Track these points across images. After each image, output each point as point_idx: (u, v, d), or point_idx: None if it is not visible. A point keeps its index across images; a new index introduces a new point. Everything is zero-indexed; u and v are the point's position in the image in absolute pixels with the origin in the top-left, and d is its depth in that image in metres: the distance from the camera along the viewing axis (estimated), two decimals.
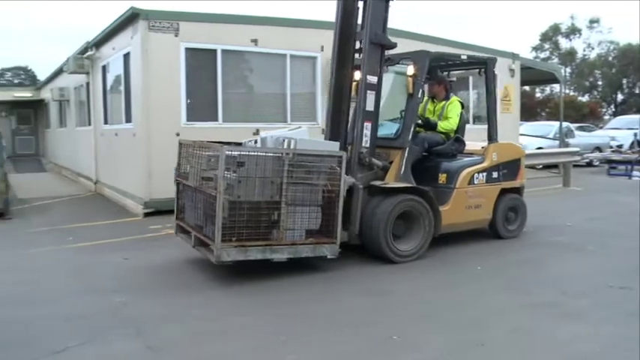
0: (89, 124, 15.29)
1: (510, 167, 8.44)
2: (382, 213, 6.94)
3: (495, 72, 8.57)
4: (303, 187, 6.35)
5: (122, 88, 12.27)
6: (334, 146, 7.00)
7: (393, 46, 7.44)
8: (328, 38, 7.61)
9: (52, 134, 23.87)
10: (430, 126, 8.04)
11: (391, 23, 7.46)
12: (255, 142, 7.10)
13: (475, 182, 8.01)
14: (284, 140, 6.64)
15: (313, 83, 12.40)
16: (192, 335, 4.79)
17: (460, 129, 8.18)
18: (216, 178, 5.91)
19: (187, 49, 10.81)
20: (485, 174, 8.13)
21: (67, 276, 6.70)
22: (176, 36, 10.58)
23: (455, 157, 8.12)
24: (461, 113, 8.20)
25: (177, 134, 9.82)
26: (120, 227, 9.80)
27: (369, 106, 7.25)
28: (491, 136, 8.44)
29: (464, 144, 8.19)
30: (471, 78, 15.39)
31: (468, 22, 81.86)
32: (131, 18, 10.82)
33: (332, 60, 7.48)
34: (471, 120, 15.39)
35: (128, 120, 11.66)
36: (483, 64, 8.43)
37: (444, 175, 7.92)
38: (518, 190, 8.63)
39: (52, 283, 6.42)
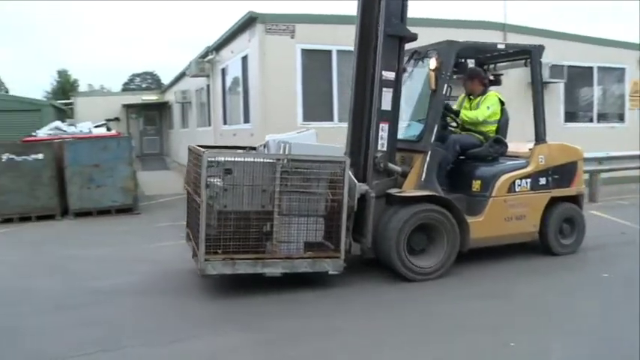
0: (209, 125, 15.96)
1: (563, 172, 7.35)
2: (395, 225, 6.21)
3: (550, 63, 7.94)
4: (300, 196, 5.79)
5: (240, 89, 12.71)
6: (337, 151, 6.44)
7: (414, 37, 6.56)
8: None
9: (175, 134, 25.16)
10: (452, 115, 7.37)
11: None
12: (264, 146, 6.70)
13: (517, 190, 7.03)
14: (281, 145, 6.27)
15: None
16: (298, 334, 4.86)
17: (501, 128, 7.29)
18: (199, 185, 5.65)
19: (303, 51, 11.03)
20: (529, 180, 7.11)
21: (184, 271, 6.90)
22: (292, 38, 10.82)
23: (496, 160, 7.19)
24: (502, 110, 7.30)
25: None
26: None
27: (386, 105, 6.45)
28: (538, 136, 7.28)
29: (505, 145, 7.24)
30: (595, 72, 14.54)
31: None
32: (249, 22, 11.19)
33: (353, 56, 6.78)
34: (595, 118, 14.60)
35: (246, 120, 12.05)
36: (527, 54, 7.35)
37: (478, 181, 6.98)
38: (574, 199, 7.51)
39: (174, 275, 6.78)
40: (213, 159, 5.62)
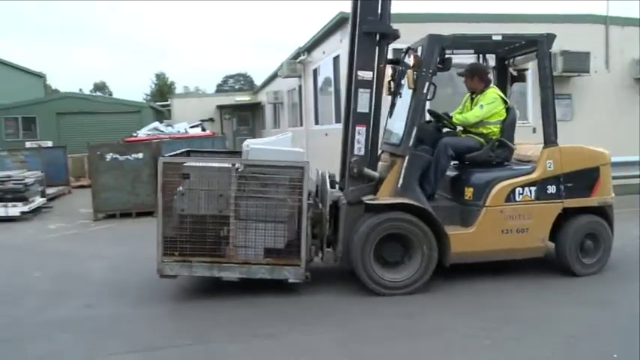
0: (300, 125, 16.13)
1: (580, 179, 6.31)
2: (360, 234, 5.83)
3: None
4: (258, 201, 5.70)
5: (332, 89, 12.75)
6: (300, 155, 6.18)
7: (395, 35, 6.15)
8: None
9: (267, 135, 25.63)
10: (444, 119, 6.71)
11: None
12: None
13: (517, 199, 6.18)
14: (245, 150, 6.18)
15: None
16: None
17: (505, 129, 6.48)
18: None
19: (394, 50, 10.88)
20: (534, 188, 6.21)
21: None
22: None
23: (499, 165, 6.43)
24: (507, 108, 6.52)
25: None
26: None
27: (362, 107, 6.08)
28: (547, 138, 6.34)
29: (509, 149, 6.48)
30: None
31: None
32: (340, 22, 11.23)
33: (348, 56, 6.45)
34: None
35: (338, 120, 12.07)
36: (533, 44, 6.43)
37: (470, 189, 6.25)
38: (599, 211, 6.46)
39: None
40: (167, 162, 5.87)
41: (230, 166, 5.75)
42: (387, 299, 5.73)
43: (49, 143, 19.58)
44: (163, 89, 55.13)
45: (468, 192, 6.24)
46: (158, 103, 33.19)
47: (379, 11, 6.08)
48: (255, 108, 29.47)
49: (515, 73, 7.01)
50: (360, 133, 6.07)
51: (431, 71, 6.09)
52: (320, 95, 14.38)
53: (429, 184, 6.27)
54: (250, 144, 6.39)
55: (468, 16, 11.17)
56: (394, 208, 5.90)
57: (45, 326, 5.32)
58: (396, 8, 6.21)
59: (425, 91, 6.09)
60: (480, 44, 6.74)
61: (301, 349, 4.62)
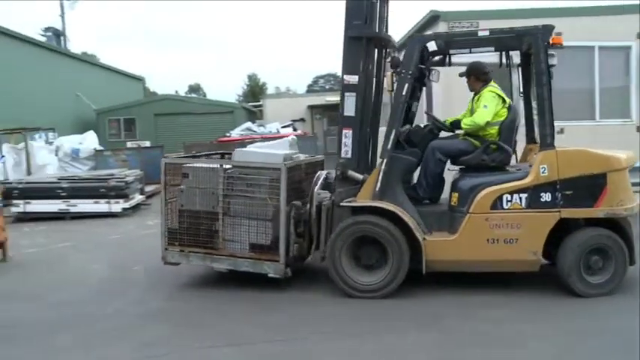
0: None
1: (581, 187, 5.69)
2: (332, 236, 6.02)
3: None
4: (244, 200, 6.25)
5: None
6: (278, 158, 6.42)
7: (383, 38, 6.34)
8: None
9: None
10: (440, 123, 6.57)
11: None
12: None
13: (505, 206, 5.77)
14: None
15: (626, 76, 11.24)
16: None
17: (503, 131, 6.15)
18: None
19: None
20: (525, 195, 5.74)
21: None
22: None
23: (496, 170, 6.05)
24: (509, 107, 6.21)
25: None
26: None
27: (348, 110, 6.24)
28: (543, 140, 5.87)
29: (506, 152, 6.09)
30: None
31: None
32: (431, 20, 11.12)
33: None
34: None
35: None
36: (527, 37, 5.92)
37: (456, 194, 6.04)
38: (609, 223, 5.77)
39: None
40: (169, 162, 6.83)
41: (218, 167, 6.44)
42: (476, 303, 5.68)
43: (148, 143, 20.54)
44: (255, 90, 56.40)
45: (454, 197, 6.06)
46: (250, 104, 34.03)
47: (365, 16, 6.17)
48: None
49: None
50: (347, 136, 6.24)
51: (410, 72, 6.00)
52: None
53: (422, 187, 6.31)
54: (246, 148, 7.12)
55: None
56: (366, 211, 5.98)
57: (143, 317, 5.74)
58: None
59: (404, 92, 6.03)
60: (498, 40, 6.15)
61: (388, 350, 4.67)
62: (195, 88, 66.77)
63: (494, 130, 6.17)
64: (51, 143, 16.96)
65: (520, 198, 5.75)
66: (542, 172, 5.71)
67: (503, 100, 6.21)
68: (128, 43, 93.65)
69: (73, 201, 12.05)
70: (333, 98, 31.43)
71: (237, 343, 4.96)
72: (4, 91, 19.67)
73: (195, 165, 6.64)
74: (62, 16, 33.43)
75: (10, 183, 12.97)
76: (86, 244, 8.76)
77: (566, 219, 5.73)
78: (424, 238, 5.87)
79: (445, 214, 6.11)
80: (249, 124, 20.00)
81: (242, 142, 12.53)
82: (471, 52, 6.29)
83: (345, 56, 6.24)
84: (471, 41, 6.24)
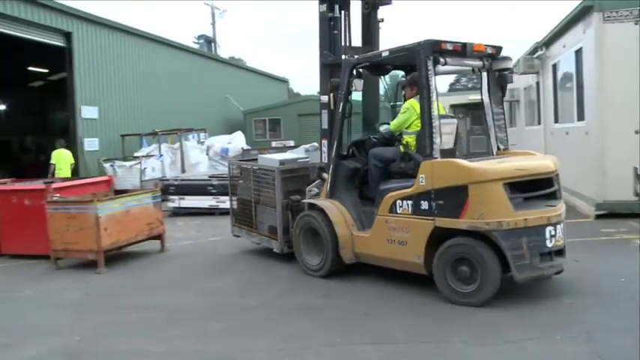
0: (538, 124, 15.39)
1: (449, 197, 5.67)
2: (294, 225, 7.49)
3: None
4: (264, 193, 8.06)
5: (573, 85, 11.96)
6: (274, 162, 7.93)
7: (335, 64, 7.27)
8: None
9: None
10: (379, 133, 7.25)
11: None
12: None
13: (398, 211, 6.14)
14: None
15: None
16: None
17: (420, 141, 6.23)
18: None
19: None
20: (410, 202, 6.00)
21: None
22: (636, 24, 9.73)
23: (407, 177, 6.21)
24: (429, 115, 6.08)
25: (637, 132, 9.09)
26: (568, 227, 9.64)
27: (324, 124, 7.50)
28: (422, 151, 6.03)
29: (416, 162, 6.09)
30: None
31: None
32: (583, 12, 10.48)
33: None
34: None
35: (580, 118, 11.32)
36: (412, 53, 6.06)
37: (371, 195, 6.69)
38: (481, 235, 5.57)
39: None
40: (231, 164, 9.35)
41: (249, 167, 8.58)
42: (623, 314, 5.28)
43: (292, 143, 21.13)
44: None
45: (376, 200, 6.51)
46: (390, 103, 33.91)
47: (330, 46, 7.55)
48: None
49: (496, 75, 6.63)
50: (324, 145, 7.41)
51: (343, 92, 6.91)
52: (560, 92, 13.56)
53: (369, 189, 6.84)
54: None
55: None
56: (310, 207, 7.28)
57: (288, 310, 5.96)
58: None
59: (340, 110, 6.98)
60: (395, 58, 6.54)
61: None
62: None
63: (411, 139, 6.44)
64: (202, 143, 18.00)
65: (408, 204, 6.07)
66: (421, 182, 5.92)
67: (418, 109, 6.25)
68: (273, 46, 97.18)
69: (222, 197, 12.67)
70: (477, 97, 30.66)
71: (380, 341, 4.97)
72: (163, 95, 21.22)
73: (242, 165, 8.91)
74: (213, 24, 35.40)
75: (168, 180, 13.97)
76: (234, 239, 9.23)
77: (440, 227, 5.79)
78: (352, 233, 6.73)
79: (373, 215, 6.55)
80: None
81: None
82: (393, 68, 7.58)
83: (319, 80, 7.60)
84: (380, 60, 6.78)
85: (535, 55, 14.88)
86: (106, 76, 18.05)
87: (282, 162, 7.92)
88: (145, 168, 15.43)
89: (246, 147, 18.51)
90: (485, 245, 5.59)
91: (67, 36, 16.38)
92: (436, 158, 5.88)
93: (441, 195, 5.76)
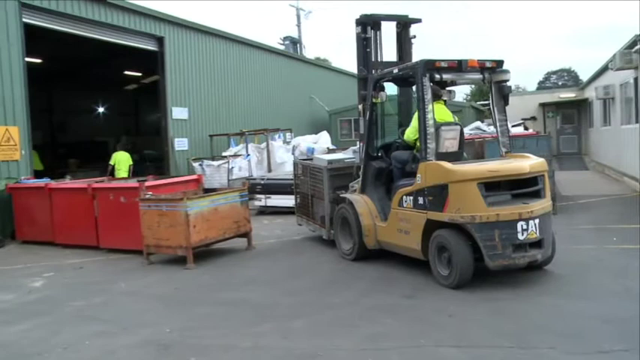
0: (636, 122, 14.63)
1: (436, 194, 6.59)
2: (334, 215, 8.66)
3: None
4: (318, 188, 9.18)
5: None
6: (323, 162, 9.14)
7: (372, 77, 8.03)
8: None
9: (595, 133, 23.80)
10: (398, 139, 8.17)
11: None
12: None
13: (404, 205, 7.19)
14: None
15: None
16: None
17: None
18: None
19: None
20: (411, 198, 7.03)
21: (609, 276, 6.74)
22: None
23: (414, 176, 7.10)
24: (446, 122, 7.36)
25: None
26: None
27: (361, 129, 8.40)
28: (422, 155, 6.84)
29: (419, 162, 6.98)
30: None
31: None
32: None
33: None
34: None
35: None
36: (412, 70, 7.14)
37: (392, 192, 7.58)
38: (458, 227, 6.43)
39: (599, 279, 6.64)
40: (296, 162, 10.44)
41: (306, 165, 9.70)
42: None
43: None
44: (483, 89, 55.05)
45: (393, 195, 7.46)
46: (479, 103, 33.20)
47: (365, 62, 8.65)
48: (581, 105, 27.58)
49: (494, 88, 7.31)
50: (361, 147, 8.39)
51: (369, 103, 7.94)
52: None
53: (394, 188, 7.57)
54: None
55: None
56: (345, 200, 8.37)
57: (372, 310, 5.97)
58: None
59: (367, 117, 8.04)
60: (403, 74, 7.56)
61: None
62: None
63: (419, 144, 7.08)
64: (288, 143, 18.20)
65: (410, 199, 7.05)
66: (418, 180, 6.86)
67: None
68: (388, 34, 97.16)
69: None
70: (568, 95, 29.54)
71: (463, 344, 4.88)
72: (250, 96, 21.69)
73: (303, 163, 9.95)
74: (298, 25, 35.80)
75: (254, 179, 14.26)
76: (318, 238, 9.34)
77: (431, 220, 6.69)
78: (375, 224, 7.79)
79: (385, 208, 7.74)
80: (478, 123, 19.49)
81: (472, 141, 12.26)
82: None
83: (357, 91, 8.67)
84: (393, 75, 7.70)
85: (634, 50, 14.15)
86: (196, 78, 18.63)
87: (330, 162, 9.12)
88: (232, 167, 15.79)
89: (331, 147, 18.59)
90: (459, 235, 6.43)
91: (160, 40, 17.02)
92: (430, 160, 6.70)
93: (431, 192, 6.68)
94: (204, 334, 5.51)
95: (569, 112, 28.88)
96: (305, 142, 18.23)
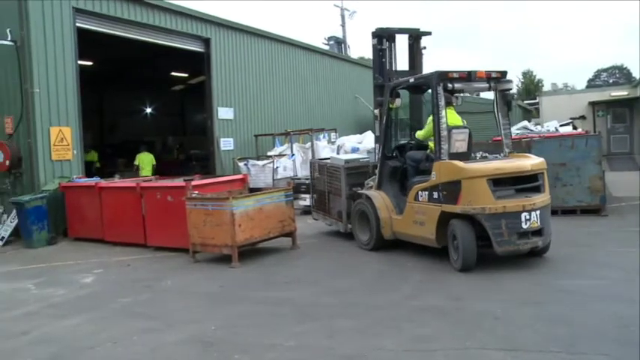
0: None
1: (450, 189, 7.44)
2: (352, 209, 9.43)
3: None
4: (335, 185, 9.93)
5: None
6: (341, 161, 10.00)
7: (385, 85, 9.04)
8: None
9: None
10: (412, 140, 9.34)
11: None
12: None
13: (419, 199, 7.99)
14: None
15: None
16: None
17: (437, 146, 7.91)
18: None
19: None
20: (426, 193, 7.85)
21: None
22: None
23: (427, 173, 7.99)
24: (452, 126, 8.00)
25: None
26: None
27: (377, 132, 9.39)
28: (437, 155, 7.72)
29: (433, 162, 7.85)
30: None
31: None
32: None
33: None
34: None
35: None
36: (428, 80, 8.06)
37: (407, 188, 8.40)
38: (469, 217, 7.28)
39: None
40: (313, 162, 11.45)
41: (323, 164, 10.49)
42: None
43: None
44: (530, 87, 54.07)
45: (408, 191, 8.29)
46: (525, 102, 32.69)
47: (380, 70, 9.63)
48: (634, 103, 26.79)
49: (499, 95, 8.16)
50: (377, 149, 9.33)
51: (386, 109, 8.87)
52: None
53: (408, 184, 8.43)
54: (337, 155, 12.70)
55: None
56: (362, 196, 9.18)
57: (417, 311, 5.94)
58: None
59: (384, 122, 8.96)
60: (419, 83, 8.67)
61: None
62: None
63: (433, 145, 8.02)
64: (333, 142, 18.20)
65: (425, 194, 7.87)
66: (433, 177, 7.68)
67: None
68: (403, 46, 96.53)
69: None
70: (620, 93, 28.74)
71: (510, 348, 4.77)
72: (295, 96, 21.79)
73: (320, 164, 10.79)
74: (343, 25, 35.80)
75: (299, 179, 14.32)
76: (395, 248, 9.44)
77: (445, 212, 7.48)
78: (391, 217, 8.60)
79: (400, 202, 8.56)
80: (525, 123, 19.19)
81: (519, 141, 12.06)
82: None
83: (373, 97, 9.69)
84: (409, 84, 8.63)
85: None
86: (242, 78, 18.81)
87: (347, 161, 10.02)
88: (277, 167, 15.88)
89: None
90: (467, 225, 7.28)
91: (206, 42, 17.23)
92: (444, 160, 7.51)
93: (445, 187, 7.48)
94: (248, 332, 5.55)
95: (620, 111, 28.06)
96: (349, 142, 18.20)
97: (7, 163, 11.85)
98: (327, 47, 30.72)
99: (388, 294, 6.59)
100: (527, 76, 57.54)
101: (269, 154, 17.47)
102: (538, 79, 57.32)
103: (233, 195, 8.75)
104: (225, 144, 17.92)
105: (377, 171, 9.06)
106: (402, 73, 9.60)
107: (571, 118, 21.29)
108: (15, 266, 9.43)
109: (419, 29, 9.90)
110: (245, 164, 16.57)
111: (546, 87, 51.83)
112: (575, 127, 17.85)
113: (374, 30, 9.48)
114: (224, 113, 17.93)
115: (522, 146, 11.70)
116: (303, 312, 6.07)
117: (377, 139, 9.37)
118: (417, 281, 7.11)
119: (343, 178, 9.65)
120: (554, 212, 11.01)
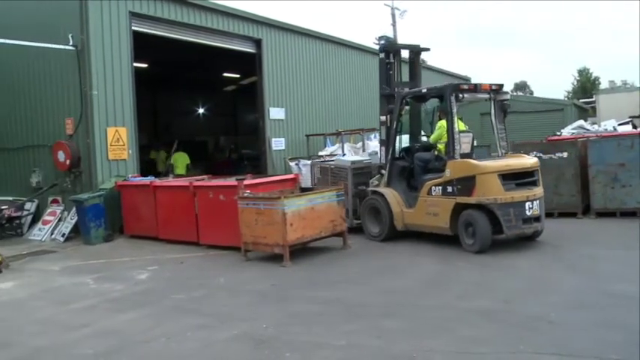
0: None
1: (464, 183, 8.63)
2: (362, 205, 10.44)
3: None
4: (340, 184, 10.00)
5: None
6: (347, 162, 11.22)
7: (393, 95, 10.39)
8: None
9: None
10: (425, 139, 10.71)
11: None
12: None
13: (433, 193, 9.12)
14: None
15: None
16: None
17: (449, 147, 9.00)
18: None
19: None
20: (440, 187, 8.98)
21: None
22: None
23: (438, 171, 9.19)
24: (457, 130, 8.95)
25: None
26: None
27: (382, 135, 10.61)
28: (449, 155, 8.93)
29: (443, 161, 9.18)
30: None
31: None
32: None
33: None
34: None
35: None
36: (442, 91, 9.27)
37: (416, 185, 9.61)
38: (482, 207, 8.46)
39: None
40: (314, 164, 12.32)
41: (328, 166, 11.46)
42: None
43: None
44: (586, 85, 52.54)
45: (420, 187, 9.42)
46: (581, 100, 31.84)
47: (387, 80, 10.74)
48: None
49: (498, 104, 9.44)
50: (382, 151, 10.55)
51: (396, 115, 10.07)
52: None
53: (415, 181, 9.74)
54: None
55: None
56: (373, 193, 10.23)
57: (470, 313, 5.88)
58: None
59: (394, 127, 10.12)
60: (431, 94, 9.85)
61: None
62: (521, 86, 65.12)
63: (442, 147, 9.57)
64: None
65: (439, 188, 9.04)
66: (447, 174, 8.87)
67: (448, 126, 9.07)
68: (454, 44, 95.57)
69: None
70: None
71: (564, 352, 4.68)
72: (346, 96, 21.80)
73: (321, 165, 11.81)
74: (393, 24, 35.58)
75: None
76: (414, 238, 9.44)
77: (459, 203, 8.69)
78: (402, 210, 9.65)
79: (416, 197, 9.46)
80: (581, 122, 18.69)
81: (574, 142, 11.77)
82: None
83: (380, 105, 10.76)
84: (421, 95, 9.98)
85: None
86: (292, 78, 18.93)
87: (352, 162, 11.26)
88: None
89: None
90: (482, 213, 8.43)
91: (258, 43, 17.41)
92: (456, 159, 8.76)
93: (459, 182, 8.70)
94: (298, 330, 5.61)
95: None
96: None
97: (68, 162, 12.29)
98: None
99: (438, 295, 6.57)
100: (584, 73, 55.98)
101: (320, 153, 17.53)
102: (595, 76, 55.72)
103: (285, 194, 8.83)
104: (277, 144, 18.06)
105: (386, 170, 10.14)
106: (405, 84, 10.99)
107: (630, 117, 20.60)
108: (75, 261, 9.80)
109: (419, 45, 11.35)
110: (296, 164, 16.65)
111: (604, 85, 50.29)
112: (635, 126, 17.29)
113: (379, 46, 11.08)
114: (275, 113, 18.08)
115: (577, 146, 11.43)
116: (353, 311, 6.09)
117: (382, 142, 10.61)
118: (467, 283, 7.04)
119: (350, 178, 10.78)
120: (611, 214, 10.80)
